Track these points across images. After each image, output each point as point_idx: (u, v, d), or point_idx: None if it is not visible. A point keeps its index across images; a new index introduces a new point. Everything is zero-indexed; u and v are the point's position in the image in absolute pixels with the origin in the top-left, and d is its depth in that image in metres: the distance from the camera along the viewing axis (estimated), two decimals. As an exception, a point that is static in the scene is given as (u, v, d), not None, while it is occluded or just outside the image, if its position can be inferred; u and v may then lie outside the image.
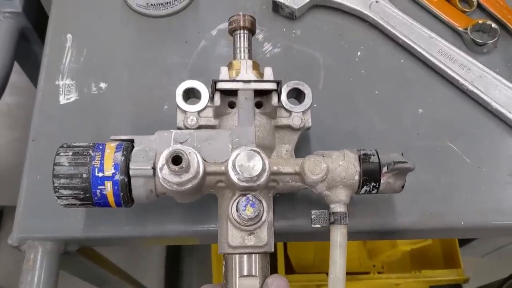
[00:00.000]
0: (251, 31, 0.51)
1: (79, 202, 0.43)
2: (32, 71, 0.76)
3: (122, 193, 0.42)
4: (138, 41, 0.63)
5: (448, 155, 0.57)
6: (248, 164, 0.41)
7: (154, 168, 0.42)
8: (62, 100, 0.57)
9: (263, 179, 0.42)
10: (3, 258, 1.19)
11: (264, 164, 0.42)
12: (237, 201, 0.42)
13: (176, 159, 0.40)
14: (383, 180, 0.45)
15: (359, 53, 0.63)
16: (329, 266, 0.43)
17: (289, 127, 0.49)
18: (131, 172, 0.42)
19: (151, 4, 0.62)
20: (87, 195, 0.42)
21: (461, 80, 0.59)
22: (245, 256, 0.43)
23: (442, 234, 0.65)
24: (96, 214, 0.52)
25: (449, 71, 0.60)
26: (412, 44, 0.61)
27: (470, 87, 0.59)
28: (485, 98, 0.59)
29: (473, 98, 0.60)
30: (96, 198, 0.42)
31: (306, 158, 0.45)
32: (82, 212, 0.52)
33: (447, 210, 0.54)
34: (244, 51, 0.50)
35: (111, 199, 0.42)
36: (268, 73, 0.49)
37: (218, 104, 0.46)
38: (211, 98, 0.48)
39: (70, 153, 0.42)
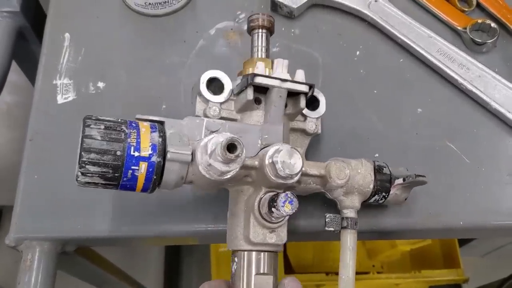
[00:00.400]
0: (270, 30, 0.51)
1: (103, 182, 0.39)
2: (30, 71, 0.76)
3: (155, 177, 0.39)
4: (136, 41, 0.62)
5: (447, 155, 0.57)
6: (290, 161, 0.41)
7: (192, 154, 0.40)
8: (60, 99, 0.57)
9: (297, 177, 0.42)
10: (1, 258, 1.19)
11: (302, 163, 0.42)
12: (268, 197, 0.42)
13: (229, 147, 0.38)
14: (392, 191, 0.48)
15: (358, 52, 0.63)
16: (340, 267, 0.45)
17: (303, 131, 0.50)
18: (168, 156, 0.39)
19: (149, 3, 0.61)
20: (116, 174, 0.38)
21: (460, 80, 0.59)
22: (265, 254, 0.43)
23: (442, 234, 0.65)
24: (94, 213, 0.51)
25: (448, 71, 0.60)
26: (411, 44, 0.61)
27: (469, 87, 0.59)
28: (484, 97, 0.58)
29: (472, 98, 0.60)
30: (125, 179, 0.39)
31: (329, 162, 0.46)
32: (80, 212, 0.51)
33: (446, 210, 0.54)
34: (262, 50, 0.50)
35: (140, 181, 0.39)
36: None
37: (251, 98, 0.45)
38: (232, 91, 0.47)
39: (102, 127, 0.39)
